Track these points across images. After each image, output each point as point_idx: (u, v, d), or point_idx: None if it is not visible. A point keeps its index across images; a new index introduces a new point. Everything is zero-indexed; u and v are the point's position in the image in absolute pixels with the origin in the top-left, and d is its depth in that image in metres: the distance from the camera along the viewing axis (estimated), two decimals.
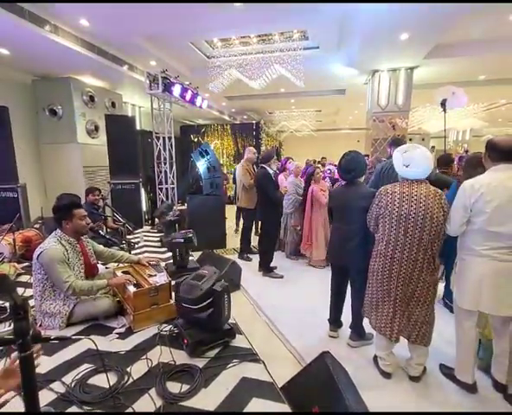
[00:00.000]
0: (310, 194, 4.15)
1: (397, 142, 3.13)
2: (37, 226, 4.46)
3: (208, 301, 2.04)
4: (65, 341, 2.03)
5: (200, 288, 2.07)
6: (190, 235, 3.44)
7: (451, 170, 3.50)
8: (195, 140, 11.15)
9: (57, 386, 1.71)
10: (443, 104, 3.51)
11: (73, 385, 1.71)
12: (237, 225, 5.95)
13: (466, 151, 7.06)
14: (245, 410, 1.58)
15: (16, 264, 3.54)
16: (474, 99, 9.22)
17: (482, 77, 6.91)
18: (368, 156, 6.26)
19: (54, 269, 2.20)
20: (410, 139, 7.22)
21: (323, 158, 9.17)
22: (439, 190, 1.86)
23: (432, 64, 5.88)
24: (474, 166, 2.22)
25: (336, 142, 15.37)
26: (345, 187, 2.45)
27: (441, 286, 2.74)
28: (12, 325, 0.73)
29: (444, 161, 3.48)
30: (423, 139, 10.97)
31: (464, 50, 5.40)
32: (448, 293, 2.84)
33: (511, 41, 5.09)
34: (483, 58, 5.63)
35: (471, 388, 1.92)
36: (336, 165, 4.61)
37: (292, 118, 12.34)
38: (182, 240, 3.38)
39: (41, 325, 2.27)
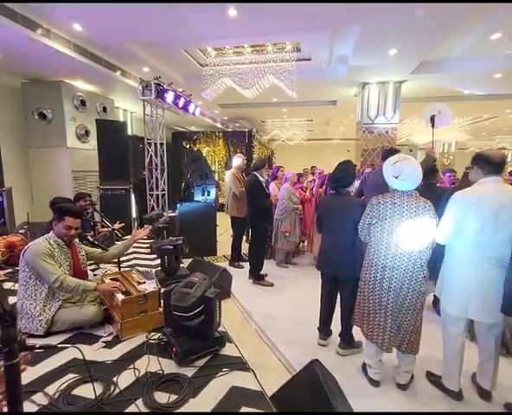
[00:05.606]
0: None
1: (386, 154, 2.87)
2: (22, 231, 4.34)
3: (200, 308, 2.02)
4: (49, 351, 1.97)
5: (192, 295, 2.05)
6: (180, 242, 3.41)
7: (436, 181, 3.57)
8: (187, 147, 11.14)
9: (39, 398, 1.65)
10: (432, 120, 3.64)
11: (56, 396, 1.65)
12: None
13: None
14: None
15: None
16: (459, 114, 9.56)
17: (466, 91, 7.18)
18: (355, 166, 6.37)
19: (39, 262, 2.18)
20: (411, 150, 7.37)
21: (312, 167, 9.29)
22: (428, 201, 1.90)
23: (418, 79, 6.08)
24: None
25: (327, 151, 15.60)
26: (333, 196, 2.51)
27: (430, 295, 2.80)
28: None
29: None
30: (411, 150, 11.23)
31: (448, 67, 5.62)
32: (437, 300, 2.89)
33: (492, 59, 5.33)
34: (467, 74, 5.86)
35: (457, 396, 1.95)
36: (320, 174, 4.83)
37: (284, 126, 12.48)
38: (172, 247, 3.34)
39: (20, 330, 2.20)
